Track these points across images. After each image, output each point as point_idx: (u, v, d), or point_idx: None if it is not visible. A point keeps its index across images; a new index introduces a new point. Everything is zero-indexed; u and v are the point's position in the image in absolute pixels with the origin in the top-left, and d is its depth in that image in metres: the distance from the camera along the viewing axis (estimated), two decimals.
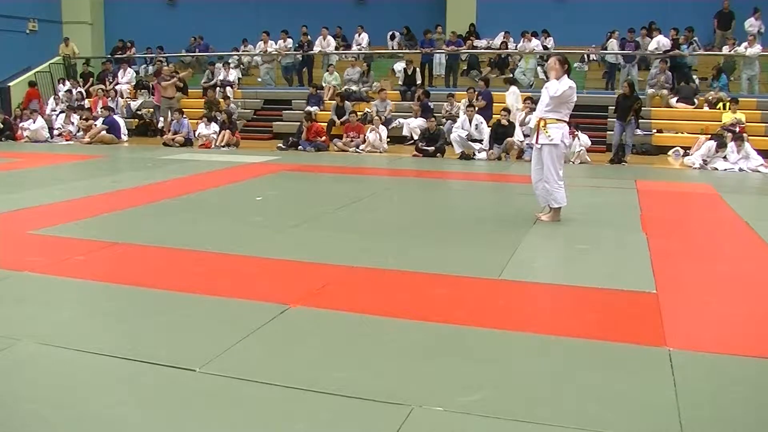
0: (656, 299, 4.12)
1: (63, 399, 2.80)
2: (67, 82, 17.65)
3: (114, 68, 18.13)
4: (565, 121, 6.37)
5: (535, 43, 15.81)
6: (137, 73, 18.40)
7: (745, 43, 14.30)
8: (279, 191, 8.42)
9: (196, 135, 14.20)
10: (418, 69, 15.68)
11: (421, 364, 3.17)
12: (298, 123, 13.86)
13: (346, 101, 14.60)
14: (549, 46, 16.12)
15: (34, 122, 14.94)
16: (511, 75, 15.66)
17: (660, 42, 14.82)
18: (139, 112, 16.51)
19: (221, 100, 15.55)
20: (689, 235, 6.13)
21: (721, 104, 13.43)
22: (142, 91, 17.15)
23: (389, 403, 2.75)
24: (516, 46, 16.42)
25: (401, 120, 14.12)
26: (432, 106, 13.98)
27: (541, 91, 6.61)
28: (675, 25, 15.30)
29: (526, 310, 4.11)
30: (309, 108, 14.64)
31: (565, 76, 6.33)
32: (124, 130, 14.87)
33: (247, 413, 2.70)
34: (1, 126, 15.15)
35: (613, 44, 15.82)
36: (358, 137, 13.35)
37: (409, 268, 4.78)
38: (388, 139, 13.36)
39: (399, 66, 16.27)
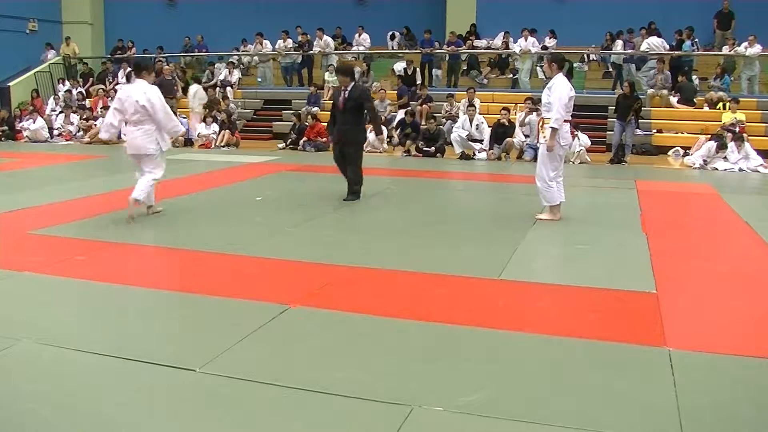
0: (656, 299, 4.12)
1: (63, 399, 2.80)
2: (67, 82, 17.65)
3: (114, 68, 18.13)
4: (564, 120, 6.34)
5: (531, 41, 15.80)
6: None
7: (745, 43, 14.29)
8: (279, 191, 8.42)
9: (196, 135, 14.20)
10: (418, 69, 15.67)
11: (421, 364, 3.17)
12: (295, 122, 13.90)
13: None
14: (549, 46, 16.11)
15: (34, 122, 14.94)
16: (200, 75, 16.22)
17: (651, 42, 14.82)
18: None
19: (221, 100, 15.54)
20: (689, 235, 6.13)
21: (721, 104, 13.43)
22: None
23: (389, 403, 2.75)
24: (513, 45, 16.42)
25: None
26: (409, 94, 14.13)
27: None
28: (675, 25, 15.29)
29: (526, 310, 4.11)
30: (308, 108, 14.64)
31: (559, 74, 6.33)
32: (124, 130, 14.83)
33: (247, 413, 2.70)
34: (6, 127, 15.12)
35: (618, 45, 15.80)
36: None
37: (409, 268, 4.78)
38: (388, 139, 13.36)
39: (399, 66, 16.26)
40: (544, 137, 6.36)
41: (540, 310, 4.10)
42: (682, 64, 14.81)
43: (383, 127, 13.17)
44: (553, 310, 4.06)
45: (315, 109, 14.75)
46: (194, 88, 15.43)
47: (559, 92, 6.19)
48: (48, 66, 18.38)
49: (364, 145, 12.87)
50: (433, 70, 16.47)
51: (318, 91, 15.49)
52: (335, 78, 15.78)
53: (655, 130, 13.30)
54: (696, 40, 15.31)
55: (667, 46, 14.81)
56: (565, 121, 6.33)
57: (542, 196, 6.49)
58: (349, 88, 7.37)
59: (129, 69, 17.60)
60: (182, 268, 4.89)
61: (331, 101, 8.29)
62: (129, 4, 20.87)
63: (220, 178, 9.41)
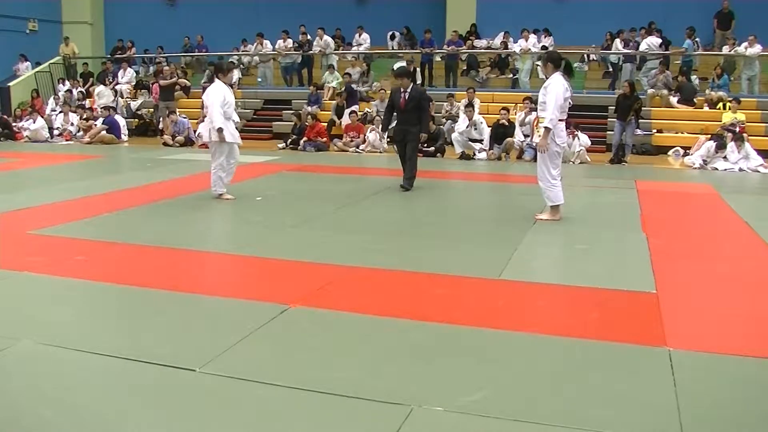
0: (656, 299, 4.12)
1: (63, 399, 2.80)
2: (67, 82, 17.65)
3: (114, 68, 18.14)
4: (559, 120, 6.31)
5: (531, 42, 15.80)
6: (137, 73, 18.40)
7: (745, 43, 14.29)
8: (279, 191, 8.42)
9: (197, 135, 14.19)
10: (418, 69, 15.67)
11: (421, 364, 3.17)
12: (296, 122, 13.92)
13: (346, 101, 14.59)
14: (547, 45, 16.12)
15: (34, 122, 14.95)
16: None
17: (650, 42, 14.83)
18: (139, 112, 16.51)
19: None
20: (689, 235, 6.13)
21: (721, 104, 13.43)
22: (142, 91, 17.14)
23: (389, 403, 2.75)
24: (514, 45, 16.43)
25: None
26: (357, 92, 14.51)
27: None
28: (675, 25, 15.29)
29: (526, 310, 4.11)
30: (307, 108, 14.65)
31: (556, 74, 6.29)
32: (124, 130, 14.87)
33: (247, 413, 2.70)
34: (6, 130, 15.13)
35: (617, 45, 15.81)
36: (358, 137, 13.35)
37: (409, 268, 4.78)
38: (388, 139, 13.35)
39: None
40: (539, 136, 6.36)
41: (540, 310, 4.10)
42: (681, 65, 14.82)
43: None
44: (553, 310, 4.07)
45: (315, 108, 14.74)
46: (98, 89, 16.24)
47: (555, 92, 6.16)
48: (48, 66, 18.38)
49: (365, 146, 13.08)
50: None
51: (318, 91, 15.49)
52: (338, 80, 15.90)
53: (655, 130, 13.30)
54: (697, 39, 15.31)
55: (659, 45, 14.83)
56: (560, 120, 6.32)
57: (546, 196, 6.46)
58: (408, 90, 8.13)
59: (129, 69, 17.75)
60: (182, 268, 4.89)
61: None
62: (129, 4, 20.86)
63: None
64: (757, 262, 5.19)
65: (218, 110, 7.33)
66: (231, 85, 16.12)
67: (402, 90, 8.15)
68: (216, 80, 7.64)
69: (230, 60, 17.34)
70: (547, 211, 6.51)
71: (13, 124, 15.53)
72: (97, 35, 21.24)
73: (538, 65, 15.74)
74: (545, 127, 6.20)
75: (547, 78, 6.41)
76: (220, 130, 7.32)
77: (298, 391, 2.87)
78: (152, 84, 16.67)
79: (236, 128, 7.73)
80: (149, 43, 19.09)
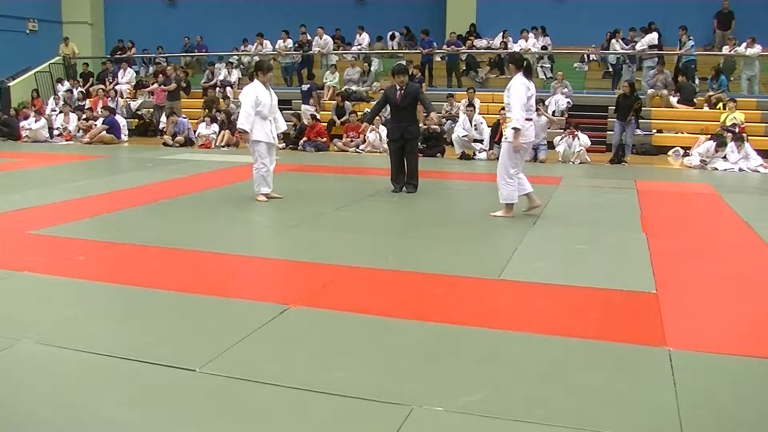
0: (656, 299, 4.12)
1: (63, 399, 2.80)
2: (67, 82, 17.64)
3: (114, 68, 18.14)
4: (526, 119, 6.43)
5: (531, 42, 15.80)
6: (137, 73, 18.40)
7: (744, 43, 14.30)
8: (279, 191, 8.42)
9: (196, 135, 14.20)
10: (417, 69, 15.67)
11: (421, 364, 3.17)
12: (295, 122, 13.91)
13: (346, 101, 14.60)
14: (547, 44, 16.12)
15: (36, 122, 14.95)
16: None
17: (647, 42, 14.85)
18: (139, 112, 16.51)
19: (221, 99, 15.55)
20: (689, 235, 6.13)
21: (721, 104, 13.43)
22: (142, 91, 17.14)
23: (389, 403, 2.75)
24: (513, 45, 16.42)
25: None
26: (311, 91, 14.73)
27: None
28: (675, 25, 15.30)
29: (526, 310, 4.11)
30: (306, 108, 14.66)
31: (518, 74, 6.44)
32: (124, 130, 14.87)
33: (247, 413, 2.70)
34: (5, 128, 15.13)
35: (614, 45, 15.82)
36: (358, 137, 13.35)
37: (409, 268, 4.78)
38: (388, 139, 13.35)
39: None
40: (505, 137, 6.54)
41: (540, 310, 4.09)
42: (681, 65, 14.82)
43: (382, 129, 13.26)
44: (553, 310, 4.06)
45: (312, 109, 14.73)
46: None
47: (517, 93, 6.31)
48: (48, 66, 18.38)
49: (365, 146, 13.09)
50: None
51: (318, 91, 15.48)
52: (336, 80, 15.91)
53: (655, 130, 13.31)
54: (691, 38, 15.29)
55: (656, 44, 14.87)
56: (527, 119, 6.46)
57: (500, 193, 6.60)
58: (404, 87, 8.15)
59: (129, 69, 17.72)
60: (182, 268, 4.89)
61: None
62: (129, 4, 20.87)
63: (220, 178, 9.42)
64: (757, 262, 5.19)
65: (246, 110, 7.31)
66: (231, 85, 16.26)
67: (398, 88, 8.16)
68: (255, 79, 7.54)
69: (228, 60, 17.35)
70: (503, 208, 6.59)
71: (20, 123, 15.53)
72: (97, 35, 21.23)
73: (539, 66, 15.82)
74: (514, 128, 6.35)
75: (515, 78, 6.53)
76: (243, 132, 7.40)
77: (298, 391, 2.87)
78: (153, 84, 16.63)
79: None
80: (149, 43, 19.10)
